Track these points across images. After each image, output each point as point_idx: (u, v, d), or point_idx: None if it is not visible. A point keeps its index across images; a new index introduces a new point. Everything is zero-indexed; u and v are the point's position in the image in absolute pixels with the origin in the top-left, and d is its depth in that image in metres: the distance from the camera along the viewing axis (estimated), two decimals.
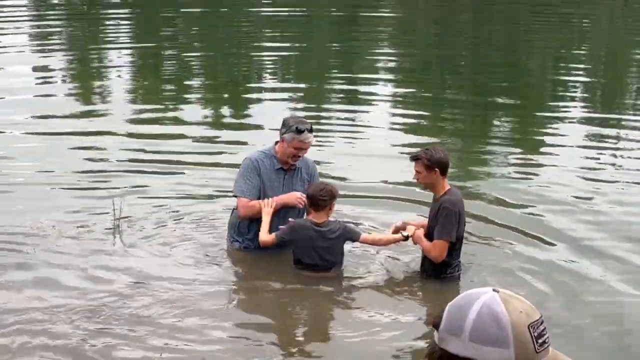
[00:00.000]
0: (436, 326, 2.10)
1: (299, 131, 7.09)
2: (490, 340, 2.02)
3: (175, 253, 7.66)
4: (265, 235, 7.18)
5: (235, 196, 7.40)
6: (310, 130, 7.15)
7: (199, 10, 27.87)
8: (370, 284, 7.19)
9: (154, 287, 6.91)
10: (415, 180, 7.12)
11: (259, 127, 12.47)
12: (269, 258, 7.35)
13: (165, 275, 7.15)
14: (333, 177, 9.46)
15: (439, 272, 7.10)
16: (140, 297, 6.73)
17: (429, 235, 7.05)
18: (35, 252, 7.53)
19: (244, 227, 7.48)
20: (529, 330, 2.04)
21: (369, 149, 11.22)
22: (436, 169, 6.85)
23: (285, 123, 7.23)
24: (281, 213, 7.29)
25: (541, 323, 2.07)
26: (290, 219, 7.25)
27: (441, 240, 6.93)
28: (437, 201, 6.99)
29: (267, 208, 7.20)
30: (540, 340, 2.05)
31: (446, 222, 6.86)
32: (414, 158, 6.96)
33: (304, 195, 7.24)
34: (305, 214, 7.36)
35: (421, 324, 6.60)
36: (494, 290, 2.09)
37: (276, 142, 7.36)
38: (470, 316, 2.04)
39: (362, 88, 16.21)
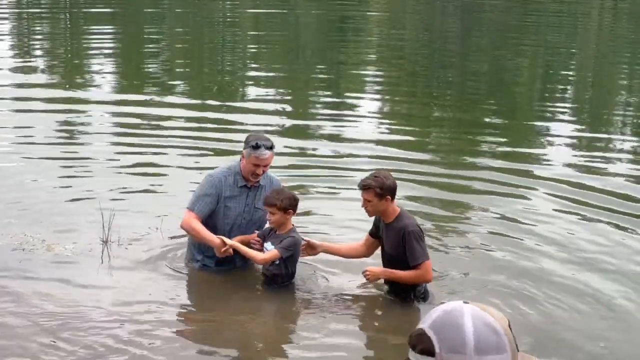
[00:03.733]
0: (427, 352, 2.11)
1: (256, 147, 6.96)
2: (492, 348, 2.10)
3: (157, 270, 7.58)
4: (263, 254, 7.00)
5: (187, 208, 7.25)
6: (269, 148, 7.02)
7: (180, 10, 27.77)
8: (342, 306, 7.07)
9: (127, 307, 6.82)
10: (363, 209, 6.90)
11: (242, 134, 12.33)
12: (231, 277, 7.31)
13: (139, 296, 7.06)
14: (320, 193, 9.48)
15: (408, 292, 6.96)
16: (112, 318, 6.63)
17: (392, 263, 6.87)
18: (21, 265, 7.43)
19: (205, 245, 7.29)
20: (511, 331, 2.16)
21: (354, 164, 11.16)
22: (388, 196, 6.71)
23: (246, 139, 7.15)
24: (231, 235, 7.15)
25: (510, 325, 2.18)
26: (257, 231, 7.19)
27: (426, 261, 6.78)
28: (391, 227, 6.83)
29: (234, 242, 7.02)
30: (516, 341, 2.17)
31: (418, 244, 6.72)
32: (365, 187, 6.74)
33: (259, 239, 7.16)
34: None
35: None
36: (464, 302, 2.16)
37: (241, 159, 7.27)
38: (467, 331, 2.09)
39: (347, 102, 16.14)
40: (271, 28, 26.81)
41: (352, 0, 31.40)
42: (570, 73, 21.56)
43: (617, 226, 9.20)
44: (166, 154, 11.45)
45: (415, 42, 25.30)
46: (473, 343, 2.09)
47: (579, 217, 9.50)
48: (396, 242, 6.79)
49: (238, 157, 7.33)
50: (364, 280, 7.09)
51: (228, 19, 27.93)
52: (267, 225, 7.22)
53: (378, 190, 6.65)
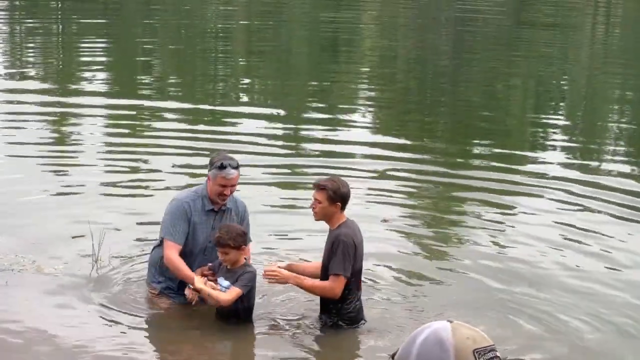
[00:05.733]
0: (393, 356, 2.22)
1: (221, 167, 6.84)
2: None
3: (140, 293, 7.49)
4: (227, 294, 6.75)
5: (163, 238, 7.07)
6: (235, 167, 6.90)
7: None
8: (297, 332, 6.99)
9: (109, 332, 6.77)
10: (311, 209, 6.83)
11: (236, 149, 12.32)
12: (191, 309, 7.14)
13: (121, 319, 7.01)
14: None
15: (337, 315, 6.80)
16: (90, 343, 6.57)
17: (325, 270, 6.74)
18: (7, 285, 7.34)
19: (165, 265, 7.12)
20: (474, 355, 2.13)
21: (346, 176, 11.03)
22: (338, 203, 6.60)
23: (210, 160, 7.02)
24: (198, 259, 7.03)
25: (490, 350, 2.15)
26: (209, 264, 7.01)
27: (337, 274, 6.60)
28: (331, 233, 6.73)
29: (199, 285, 6.77)
30: None
31: (342, 256, 6.56)
32: (320, 187, 6.66)
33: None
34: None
35: None
36: (448, 320, 2.21)
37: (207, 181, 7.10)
38: (417, 343, 2.16)
39: (339, 116, 16.08)
40: (264, 39, 26.78)
41: (344, 16, 31.36)
42: (563, 83, 21.62)
43: (618, 231, 9.33)
44: (159, 170, 11.41)
45: (408, 54, 25.28)
46: (415, 354, 2.15)
47: (577, 226, 9.67)
48: (329, 249, 6.67)
49: (204, 179, 7.12)
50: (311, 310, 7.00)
51: (220, 33, 27.89)
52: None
53: (331, 193, 6.56)
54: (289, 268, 7.01)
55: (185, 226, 6.96)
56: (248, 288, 6.83)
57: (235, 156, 12.06)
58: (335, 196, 6.56)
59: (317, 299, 7.00)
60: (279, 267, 6.99)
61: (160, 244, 7.10)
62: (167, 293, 7.22)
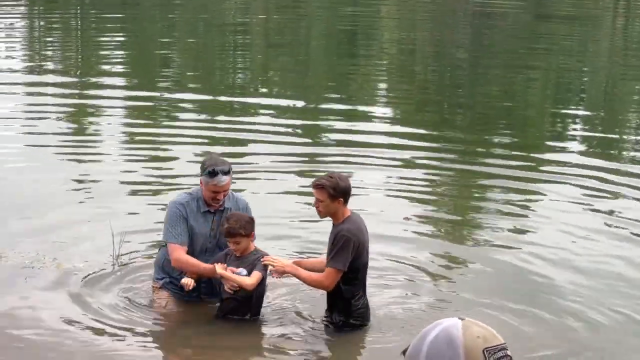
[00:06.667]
0: (404, 353, 2.21)
1: (212, 174, 6.72)
2: None
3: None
4: (251, 279, 6.70)
5: (167, 243, 7.01)
6: (226, 173, 6.75)
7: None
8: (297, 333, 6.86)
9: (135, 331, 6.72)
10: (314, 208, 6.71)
11: (253, 149, 12.30)
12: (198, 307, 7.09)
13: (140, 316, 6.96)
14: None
15: (346, 313, 6.68)
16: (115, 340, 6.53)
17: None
18: (26, 282, 7.30)
19: (169, 265, 7.06)
20: (484, 354, 2.13)
21: (364, 183, 10.85)
22: (340, 198, 6.50)
23: (202, 164, 6.90)
24: (210, 251, 6.98)
25: (500, 349, 2.14)
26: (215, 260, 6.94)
27: (332, 268, 6.50)
28: (334, 228, 6.62)
29: (220, 271, 6.71)
30: None
31: (340, 250, 6.45)
32: (318, 186, 6.54)
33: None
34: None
35: None
36: (459, 318, 2.20)
37: None
38: (427, 340, 2.16)
39: (358, 109, 16.06)
40: (282, 33, 26.76)
41: (362, 9, 31.31)
42: (583, 74, 21.48)
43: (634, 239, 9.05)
44: (178, 161, 11.35)
45: (426, 47, 25.20)
46: (425, 352, 2.15)
47: (601, 212, 9.56)
48: (331, 243, 6.59)
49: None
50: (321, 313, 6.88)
51: (238, 27, 27.89)
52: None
53: (331, 191, 6.46)
54: (296, 264, 6.92)
55: (185, 227, 6.89)
56: (266, 271, 6.80)
57: (254, 146, 12.33)
58: (335, 193, 6.47)
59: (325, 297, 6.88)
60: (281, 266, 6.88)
61: (165, 245, 7.05)
62: (169, 288, 7.15)
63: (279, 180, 10.66)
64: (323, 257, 6.97)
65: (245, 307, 6.83)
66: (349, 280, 6.58)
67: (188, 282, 6.72)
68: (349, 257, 6.47)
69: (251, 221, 6.77)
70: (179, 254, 6.84)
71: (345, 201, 6.52)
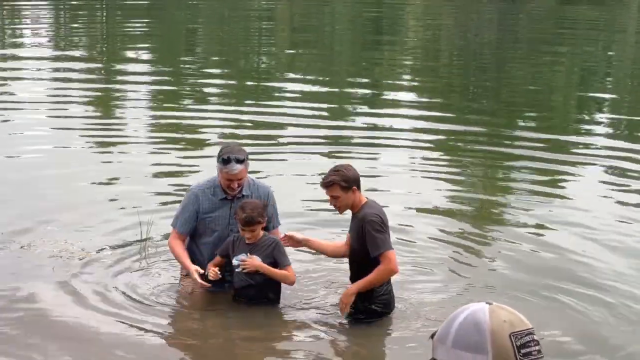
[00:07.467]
0: (432, 336, 2.22)
1: (225, 161, 6.64)
2: (469, 346, 2.14)
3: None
4: (290, 272, 6.61)
5: (171, 225, 7.02)
6: (240, 161, 6.63)
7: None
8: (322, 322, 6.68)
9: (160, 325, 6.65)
10: (332, 206, 6.50)
11: (279, 132, 12.29)
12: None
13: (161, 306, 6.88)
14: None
15: (369, 299, 6.50)
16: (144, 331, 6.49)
17: (354, 255, 6.50)
18: (53, 272, 7.33)
19: (196, 250, 7.02)
20: (511, 339, 2.13)
21: (389, 164, 10.86)
22: (354, 187, 6.34)
23: (219, 152, 6.82)
24: (218, 248, 6.85)
25: (527, 334, 2.15)
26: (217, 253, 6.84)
27: (384, 252, 6.28)
28: (355, 217, 6.45)
29: (198, 281, 6.60)
30: (523, 351, 2.13)
31: (378, 233, 6.27)
32: (328, 184, 6.36)
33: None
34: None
35: None
36: (487, 303, 2.20)
37: None
38: (455, 324, 2.17)
39: (384, 96, 16.04)
40: (307, 17, 26.73)
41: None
42: (610, 58, 21.34)
43: None
44: (203, 151, 11.22)
45: (451, 33, 25.11)
46: (453, 336, 2.16)
47: (624, 210, 9.20)
48: (357, 233, 6.41)
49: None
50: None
51: (263, 13, 27.90)
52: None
53: (343, 184, 6.30)
54: (307, 242, 6.83)
55: (189, 217, 6.87)
56: (286, 256, 6.71)
57: (280, 129, 12.33)
58: (348, 184, 6.31)
59: (347, 282, 6.71)
60: (293, 235, 6.83)
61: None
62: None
63: (305, 162, 10.66)
64: (336, 242, 6.94)
65: (263, 291, 6.72)
66: (372, 265, 6.49)
67: (213, 273, 6.65)
68: (387, 235, 6.37)
69: (265, 206, 6.69)
70: (173, 241, 6.91)
71: (359, 188, 6.40)
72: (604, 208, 9.25)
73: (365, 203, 6.43)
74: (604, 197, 9.64)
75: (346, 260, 6.77)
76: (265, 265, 6.59)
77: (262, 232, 6.66)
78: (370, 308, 6.50)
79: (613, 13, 29.93)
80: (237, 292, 6.75)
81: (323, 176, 6.46)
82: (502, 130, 12.90)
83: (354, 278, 6.56)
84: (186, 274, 7.05)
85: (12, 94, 15.13)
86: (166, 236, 8.00)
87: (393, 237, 7.90)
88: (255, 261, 6.58)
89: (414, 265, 7.64)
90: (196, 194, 6.89)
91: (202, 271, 6.64)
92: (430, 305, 6.84)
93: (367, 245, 6.30)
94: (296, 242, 6.79)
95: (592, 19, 27.14)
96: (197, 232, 6.95)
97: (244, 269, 6.58)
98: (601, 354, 6.16)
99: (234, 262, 6.63)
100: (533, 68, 19.27)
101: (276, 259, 6.62)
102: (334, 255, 6.94)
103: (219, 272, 6.63)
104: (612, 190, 9.92)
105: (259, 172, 9.01)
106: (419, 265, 7.66)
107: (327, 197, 6.51)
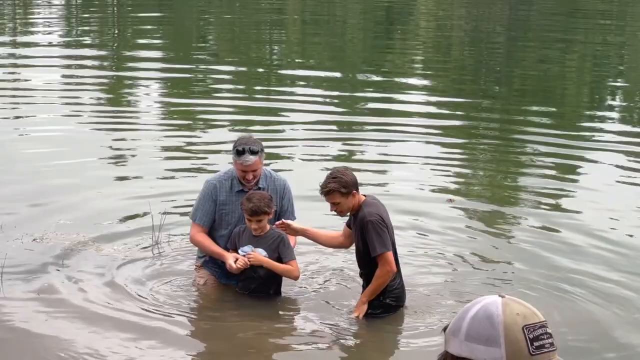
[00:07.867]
0: (445, 329, 2.22)
1: (239, 152, 6.61)
2: (482, 339, 2.12)
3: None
4: (294, 266, 6.64)
5: (191, 219, 6.99)
6: (255, 152, 6.60)
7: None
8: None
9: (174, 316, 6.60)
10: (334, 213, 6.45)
11: (291, 118, 12.28)
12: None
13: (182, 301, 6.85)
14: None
15: (382, 293, 6.45)
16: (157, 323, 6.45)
17: (359, 254, 6.47)
18: (62, 265, 7.32)
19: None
20: (523, 332, 2.12)
21: (401, 152, 10.73)
22: (353, 191, 6.31)
23: (234, 143, 6.80)
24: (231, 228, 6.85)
25: (540, 327, 2.14)
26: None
27: (381, 253, 6.28)
28: (356, 216, 6.41)
29: (233, 266, 6.57)
30: (536, 344, 2.12)
31: (376, 234, 6.24)
32: (328, 192, 6.32)
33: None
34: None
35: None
36: (500, 295, 2.19)
37: None
38: (468, 317, 2.16)
39: (396, 81, 16.01)
40: (319, 6, 26.71)
41: None
42: (622, 49, 21.25)
43: None
44: (217, 137, 11.19)
45: (463, 22, 25.05)
46: (465, 329, 2.15)
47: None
48: (358, 233, 6.39)
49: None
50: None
51: (274, 4, 27.88)
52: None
53: (342, 190, 6.27)
54: (303, 231, 6.77)
55: (209, 208, 6.84)
56: (292, 250, 6.71)
57: (292, 116, 12.30)
58: (347, 189, 6.27)
59: (357, 277, 6.73)
60: (290, 224, 6.73)
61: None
62: (209, 266, 7.12)
63: (316, 149, 10.64)
64: (332, 232, 6.90)
65: (266, 285, 6.71)
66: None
67: (242, 261, 6.61)
68: (386, 236, 6.33)
69: (271, 197, 6.66)
70: (197, 233, 6.88)
71: (357, 190, 6.35)
72: (622, 195, 9.12)
73: (364, 201, 6.41)
74: (622, 183, 9.52)
75: (346, 251, 6.85)
76: (269, 260, 6.59)
77: (268, 226, 6.65)
78: (385, 303, 6.49)
79: (626, 3, 29.83)
80: (240, 284, 6.75)
81: (320, 184, 6.36)
82: (515, 117, 12.86)
83: (365, 277, 6.55)
84: (201, 265, 7.06)
85: (25, 80, 15.16)
86: (179, 225, 8.01)
87: (406, 226, 7.96)
88: (258, 255, 6.59)
89: (426, 256, 7.56)
90: (214, 185, 6.86)
91: (238, 256, 6.61)
92: (443, 298, 6.79)
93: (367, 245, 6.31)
94: (293, 231, 6.73)
95: (604, 9, 27.05)
96: (213, 225, 6.91)
97: (249, 259, 6.58)
98: (616, 351, 6.04)
99: (240, 252, 6.63)
100: (545, 57, 19.20)
101: (280, 254, 6.60)
102: (328, 245, 6.93)
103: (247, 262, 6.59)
104: (629, 177, 9.82)
105: (270, 159, 8.96)
106: (432, 257, 7.57)
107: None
